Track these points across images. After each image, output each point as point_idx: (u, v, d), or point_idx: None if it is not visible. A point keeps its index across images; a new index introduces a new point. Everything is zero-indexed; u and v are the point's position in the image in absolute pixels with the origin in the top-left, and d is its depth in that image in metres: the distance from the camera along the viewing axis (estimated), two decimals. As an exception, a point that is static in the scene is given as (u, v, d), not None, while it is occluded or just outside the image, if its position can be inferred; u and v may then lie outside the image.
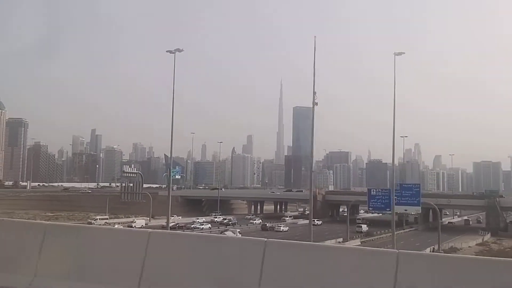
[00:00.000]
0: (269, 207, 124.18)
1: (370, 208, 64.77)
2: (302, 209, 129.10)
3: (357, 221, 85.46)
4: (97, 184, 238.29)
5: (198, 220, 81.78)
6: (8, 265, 7.57)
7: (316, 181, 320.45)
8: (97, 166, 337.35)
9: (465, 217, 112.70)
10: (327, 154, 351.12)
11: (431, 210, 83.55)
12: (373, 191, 62.48)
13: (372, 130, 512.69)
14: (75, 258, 7.44)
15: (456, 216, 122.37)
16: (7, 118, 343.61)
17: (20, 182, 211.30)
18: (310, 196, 46.35)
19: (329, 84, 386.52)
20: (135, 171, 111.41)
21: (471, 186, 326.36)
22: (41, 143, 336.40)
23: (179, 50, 46.46)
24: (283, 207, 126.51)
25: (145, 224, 74.21)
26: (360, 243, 57.53)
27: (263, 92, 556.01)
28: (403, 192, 57.76)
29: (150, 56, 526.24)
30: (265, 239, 6.64)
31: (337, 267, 6.19)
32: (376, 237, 67.41)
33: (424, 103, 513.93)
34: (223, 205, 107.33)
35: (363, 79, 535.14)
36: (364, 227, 76.52)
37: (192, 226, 72.30)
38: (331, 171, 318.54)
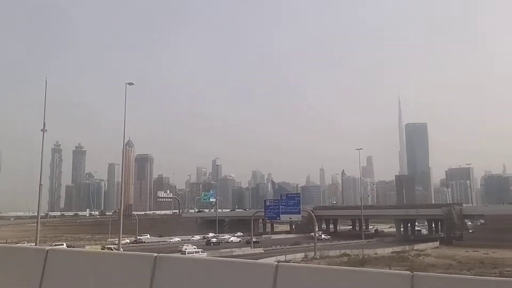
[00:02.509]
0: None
1: (266, 218, 65.46)
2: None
3: (321, 233, 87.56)
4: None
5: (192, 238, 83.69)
6: None
7: (431, 199, 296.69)
8: (212, 193, 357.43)
9: (420, 227, 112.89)
10: (447, 170, 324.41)
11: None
12: (268, 202, 65.15)
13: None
14: None
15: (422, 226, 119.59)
16: (135, 155, 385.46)
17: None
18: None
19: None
20: (170, 196, 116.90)
21: None
22: (163, 176, 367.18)
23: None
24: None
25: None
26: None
27: (381, 110, 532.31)
28: (288, 201, 59.46)
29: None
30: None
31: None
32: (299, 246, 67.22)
33: None
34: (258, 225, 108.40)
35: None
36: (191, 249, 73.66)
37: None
38: (449, 189, 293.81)
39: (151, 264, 6.65)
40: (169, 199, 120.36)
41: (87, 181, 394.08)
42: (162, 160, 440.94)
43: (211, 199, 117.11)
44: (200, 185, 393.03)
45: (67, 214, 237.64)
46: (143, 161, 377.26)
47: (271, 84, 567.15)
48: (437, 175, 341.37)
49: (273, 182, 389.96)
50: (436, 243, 73.15)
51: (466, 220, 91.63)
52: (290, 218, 64.88)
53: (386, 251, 59.30)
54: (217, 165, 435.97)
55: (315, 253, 53.03)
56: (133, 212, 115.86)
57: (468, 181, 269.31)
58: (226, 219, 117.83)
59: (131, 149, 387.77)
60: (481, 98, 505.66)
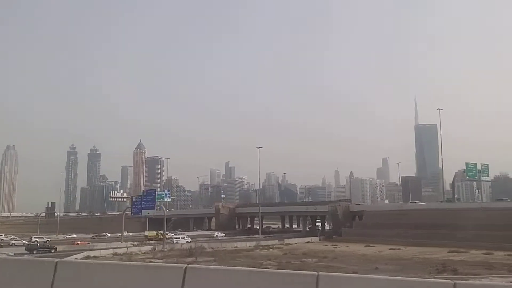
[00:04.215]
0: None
1: (132, 214, 65.65)
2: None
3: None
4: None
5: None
6: None
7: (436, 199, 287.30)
8: (223, 196, 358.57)
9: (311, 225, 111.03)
10: (457, 172, 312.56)
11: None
12: (134, 198, 67.48)
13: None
14: None
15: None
16: (146, 157, 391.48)
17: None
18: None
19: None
20: (124, 195, 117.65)
21: None
22: (172, 178, 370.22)
23: None
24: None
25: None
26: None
27: (394, 111, 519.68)
28: (147, 197, 62.83)
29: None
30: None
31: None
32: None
33: None
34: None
35: None
36: (182, 241, 73.92)
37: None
38: (454, 189, 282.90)
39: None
40: (123, 199, 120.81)
41: (101, 183, 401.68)
42: (175, 161, 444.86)
43: (165, 199, 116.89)
44: (209, 187, 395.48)
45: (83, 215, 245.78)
46: (154, 163, 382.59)
47: (304, 84, 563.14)
48: (450, 176, 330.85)
49: (279, 184, 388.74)
50: (316, 238, 74.79)
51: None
52: (148, 213, 66.74)
53: (249, 244, 60.74)
54: (230, 167, 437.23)
55: (163, 246, 55.60)
56: (56, 213, 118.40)
57: (474, 182, 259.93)
58: (172, 218, 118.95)
59: (142, 151, 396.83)
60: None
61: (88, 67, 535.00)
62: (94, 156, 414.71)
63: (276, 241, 65.32)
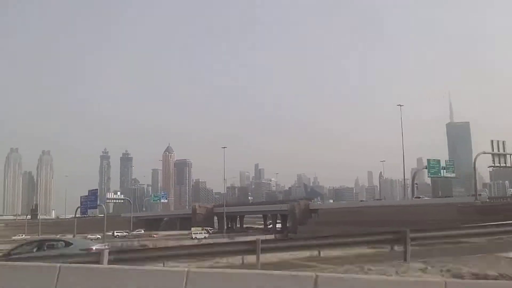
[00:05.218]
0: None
1: (81, 213, 65.71)
2: None
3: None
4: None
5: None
6: None
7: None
8: (250, 197, 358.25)
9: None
10: (491, 171, 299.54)
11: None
12: (82, 198, 65.85)
13: None
14: None
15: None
16: (175, 160, 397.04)
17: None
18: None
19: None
20: (122, 197, 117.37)
21: None
22: (200, 180, 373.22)
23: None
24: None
25: None
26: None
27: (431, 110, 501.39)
28: (91, 197, 63.15)
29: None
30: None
31: None
32: None
33: None
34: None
35: None
36: (201, 236, 75.95)
37: None
38: (486, 189, 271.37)
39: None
40: (120, 201, 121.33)
41: (133, 186, 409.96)
42: (203, 163, 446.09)
43: (162, 200, 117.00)
44: (236, 189, 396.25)
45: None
46: (182, 166, 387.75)
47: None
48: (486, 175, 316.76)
49: (305, 185, 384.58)
50: (271, 236, 71.69)
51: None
52: (92, 212, 67.39)
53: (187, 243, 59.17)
54: (259, 169, 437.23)
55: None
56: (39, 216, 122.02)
57: (507, 181, 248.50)
58: (165, 218, 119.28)
59: (170, 155, 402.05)
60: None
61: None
62: (126, 160, 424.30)
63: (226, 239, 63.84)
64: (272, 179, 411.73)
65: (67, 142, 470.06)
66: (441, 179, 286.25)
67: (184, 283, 6.19)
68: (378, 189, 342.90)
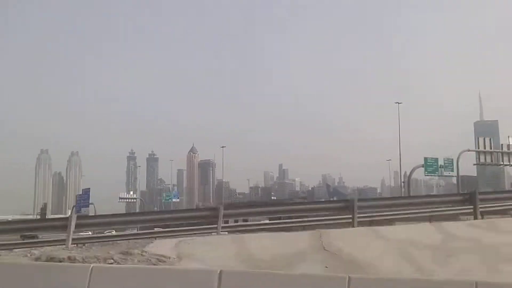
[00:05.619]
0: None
1: (76, 212, 66.60)
2: None
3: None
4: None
5: None
6: None
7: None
8: (273, 197, 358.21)
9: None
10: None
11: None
12: (78, 197, 65.08)
13: None
14: None
15: None
16: (199, 160, 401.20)
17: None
18: None
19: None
20: (134, 196, 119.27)
21: None
22: (223, 180, 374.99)
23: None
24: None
25: None
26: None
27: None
28: (84, 196, 60.63)
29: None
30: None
31: None
32: None
33: None
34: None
35: None
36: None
37: None
38: None
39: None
40: (133, 200, 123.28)
41: (159, 186, 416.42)
42: (228, 164, 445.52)
43: (173, 199, 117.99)
44: (259, 189, 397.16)
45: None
46: (206, 166, 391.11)
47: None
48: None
49: (327, 185, 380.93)
50: None
51: None
52: (85, 211, 68.58)
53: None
54: (283, 169, 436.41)
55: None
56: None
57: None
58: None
59: (194, 155, 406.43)
60: None
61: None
62: (152, 160, 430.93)
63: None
64: (296, 179, 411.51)
65: (96, 143, 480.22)
66: (466, 178, 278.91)
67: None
68: (402, 189, 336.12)
